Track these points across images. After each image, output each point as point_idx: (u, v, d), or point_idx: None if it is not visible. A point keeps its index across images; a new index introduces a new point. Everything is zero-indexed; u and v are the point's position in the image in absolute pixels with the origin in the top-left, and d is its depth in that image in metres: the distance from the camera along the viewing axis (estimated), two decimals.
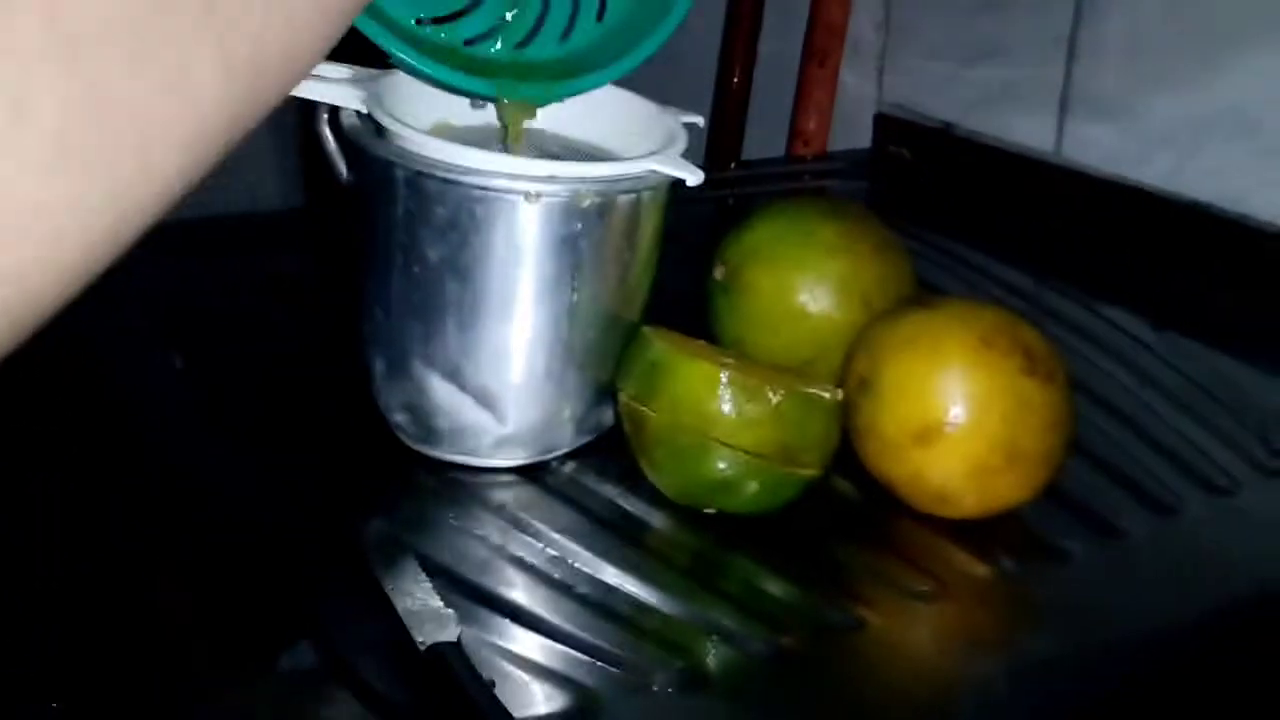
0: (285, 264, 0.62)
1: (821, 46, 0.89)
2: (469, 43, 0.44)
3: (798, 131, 0.90)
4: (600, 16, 0.45)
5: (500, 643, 0.37)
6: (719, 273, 0.50)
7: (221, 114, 0.19)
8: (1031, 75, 0.79)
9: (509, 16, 0.44)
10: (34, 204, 0.17)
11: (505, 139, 0.45)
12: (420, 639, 0.35)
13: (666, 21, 0.43)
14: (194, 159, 0.19)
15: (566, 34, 0.45)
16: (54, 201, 0.17)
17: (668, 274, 0.47)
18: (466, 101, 0.48)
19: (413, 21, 0.43)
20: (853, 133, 0.90)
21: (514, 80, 0.43)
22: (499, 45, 0.45)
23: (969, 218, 0.76)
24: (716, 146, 0.94)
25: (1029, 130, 0.79)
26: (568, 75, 0.44)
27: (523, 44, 0.45)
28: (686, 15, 0.43)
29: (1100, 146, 0.75)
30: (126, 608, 0.38)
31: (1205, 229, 0.69)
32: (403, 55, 0.40)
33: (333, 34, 0.22)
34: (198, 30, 0.18)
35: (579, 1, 0.45)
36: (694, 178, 0.42)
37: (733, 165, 0.90)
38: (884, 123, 0.88)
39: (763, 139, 0.94)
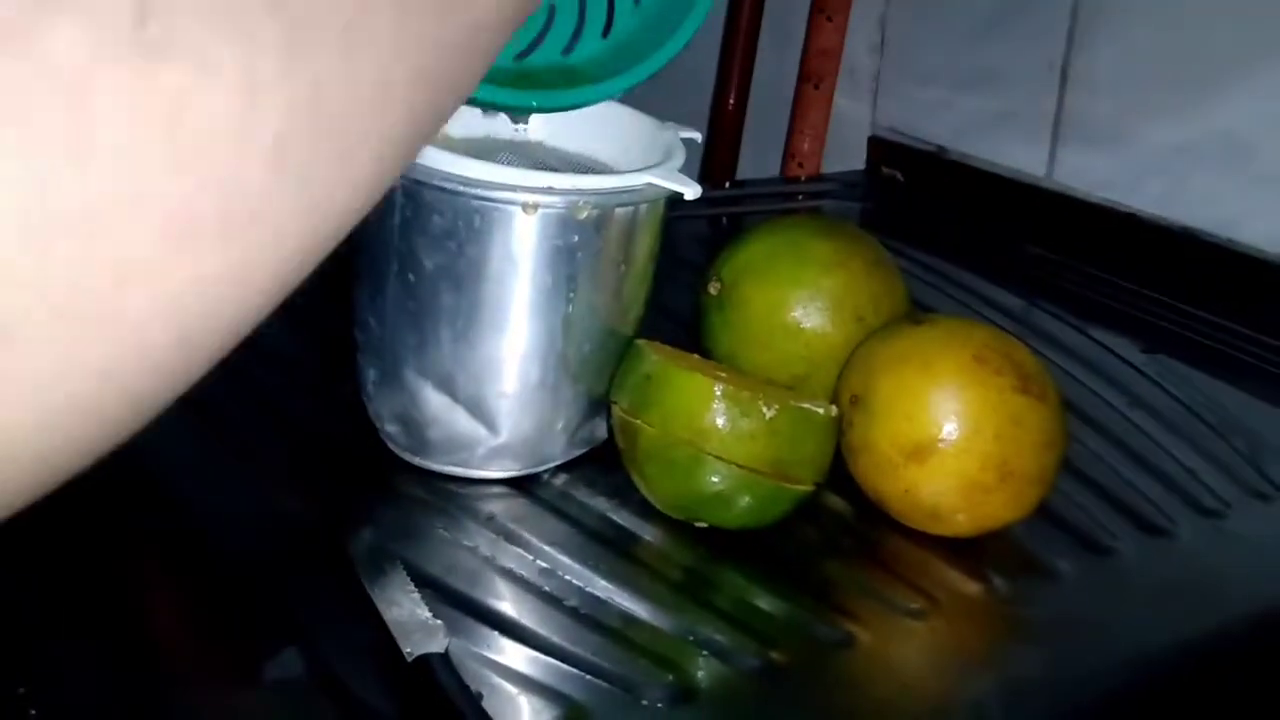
0: None
1: (817, 69, 0.89)
2: (520, 57, 0.45)
3: (792, 153, 0.91)
4: (606, 33, 0.46)
5: (489, 654, 0.37)
6: (714, 288, 0.50)
7: (409, 126, 0.19)
8: (1024, 101, 0.79)
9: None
10: (259, 198, 0.16)
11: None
12: (408, 649, 0.35)
13: (674, 39, 0.43)
14: (385, 171, 0.19)
15: (569, 48, 0.45)
16: (277, 198, 0.16)
17: (662, 289, 0.47)
18: (464, 110, 0.48)
19: None
20: (847, 155, 0.91)
21: (513, 89, 0.43)
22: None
23: (961, 241, 0.76)
24: (712, 167, 0.94)
25: (1021, 155, 0.80)
26: (569, 86, 0.44)
27: (524, 54, 0.45)
28: (694, 35, 0.43)
29: (1092, 172, 0.76)
30: (113, 614, 0.38)
31: (1195, 254, 0.70)
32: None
33: (503, 44, 0.21)
34: (394, 40, 0.18)
35: (584, 16, 0.45)
36: (691, 192, 0.42)
37: (727, 185, 0.91)
38: (878, 145, 0.89)
39: (758, 160, 0.95)
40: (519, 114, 0.46)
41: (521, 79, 0.44)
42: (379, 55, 0.18)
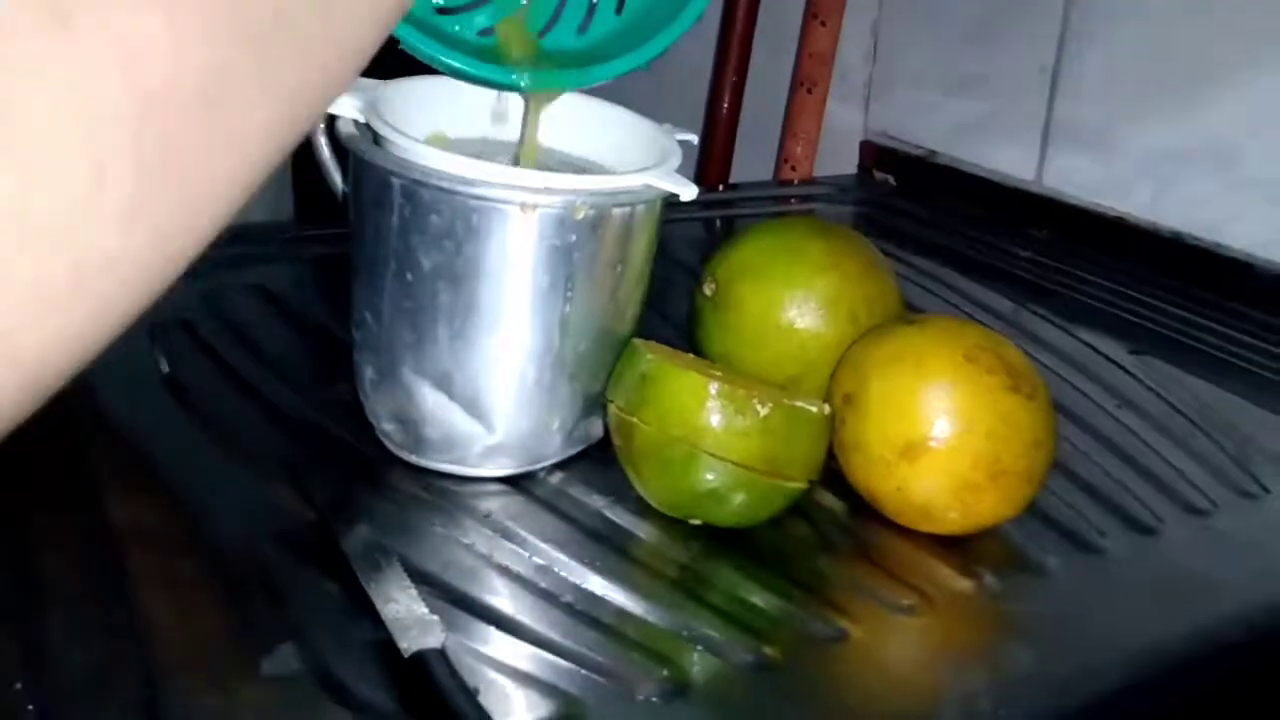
0: (273, 275, 0.62)
1: (810, 74, 0.90)
2: (484, 33, 0.45)
3: (785, 156, 0.91)
4: (619, 9, 0.46)
5: (485, 650, 0.37)
6: (708, 288, 0.50)
7: (266, 158, 0.20)
8: (1014, 106, 0.80)
9: (524, 0, 0.45)
10: (108, 258, 0.17)
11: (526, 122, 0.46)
12: (405, 645, 0.35)
13: (685, 14, 0.43)
14: (237, 202, 0.20)
15: (584, 26, 0.46)
16: (124, 255, 0.18)
17: (658, 290, 0.47)
18: (461, 112, 0.48)
19: (433, 10, 0.44)
20: (839, 158, 0.91)
21: (532, 70, 0.43)
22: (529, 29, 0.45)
23: (952, 243, 0.77)
24: (706, 169, 0.95)
25: (1011, 159, 0.80)
26: (584, 65, 0.44)
27: (540, 34, 0.45)
28: (703, 11, 0.43)
29: (1080, 176, 0.77)
30: (109, 610, 0.38)
31: (1183, 257, 0.71)
32: (421, 45, 0.41)
33: (361, 65, 0.22)
34: (254, 93, 0.19)
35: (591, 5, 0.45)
36: (688, 192, 0.42)
37: (721, 187, 0.91)
38: (870, 149, 0.90)
39: (751, 163, 0.96)
40: (541, 93, 0.46)
41: (538, 59, 0.44)
42: (236, 115, 0.19)
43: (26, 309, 0.17)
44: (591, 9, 0.46)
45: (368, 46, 0.22)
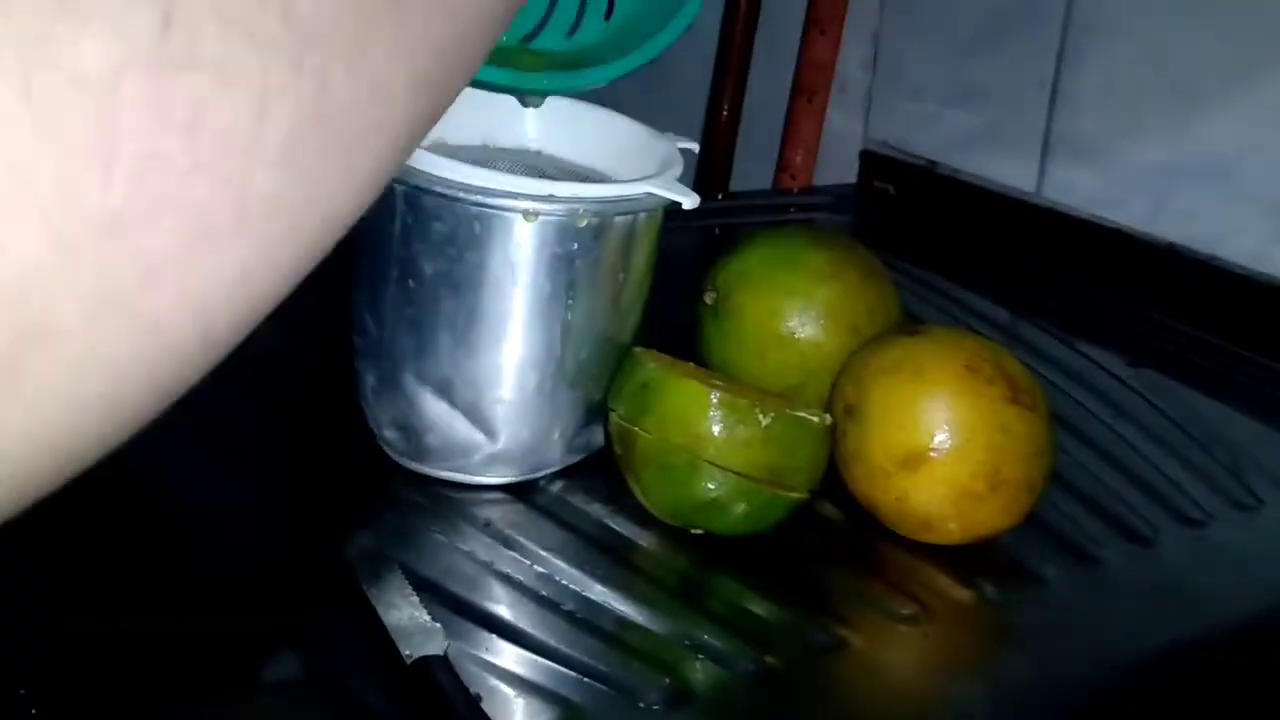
0: None
1: (810, 83, 0.90)
2: None
3: (785, 165, 0.92)
4: (608, 15, 0.46)
5: (487, 657, 0.37)
6: (709, 297, 0.50)
7: (408, 124, 0.20)
8: (1014, 117, 0.80)
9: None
10: (271, 197, 0.17)
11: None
12: (407, 652, 0.35)
13: (679, 18, 0.43)
14: (384, 167, 0.20)
15: (573, 30, 0.46)
16: (286, 196, 0.17)
17: (658, 299, 0.47)
18: (461, 119, 0.48)
19: None
20: (838, 168, 0.92)
21: (522, 71, 0.43)
22: (504, 36, 0.45)
23: (951, 253, 0.77)
24: (705, 178, 0.95)
25: (1011, 170, 0.81)
26: (575, 68, 0.44)
27: (529, 38, 0.45)
28: (697, 15, 0.43)
29: (1080, 188, 0.77)
30: (112, 617, 0.38)
31: (1180, 270, 0.71)
32: None
33: (498, 36, 0.22)
34: (394, 46, 0.19)
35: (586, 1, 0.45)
36: (689, 201, 0.43)
37: (720, 196, 0.91)
38: (869, 159, 0.90)
39: (750, 172, 0.96)
40: (531, 95, 0.46)
41: (529, 60, 0.44)
42: (380, 60, 0.18)
43: (192, 243, 0.16)
44: (580, 13, 0.46)
45: (507, 12, 0.22)
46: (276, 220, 0.17)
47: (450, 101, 0.21)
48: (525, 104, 0.47)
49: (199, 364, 0.18)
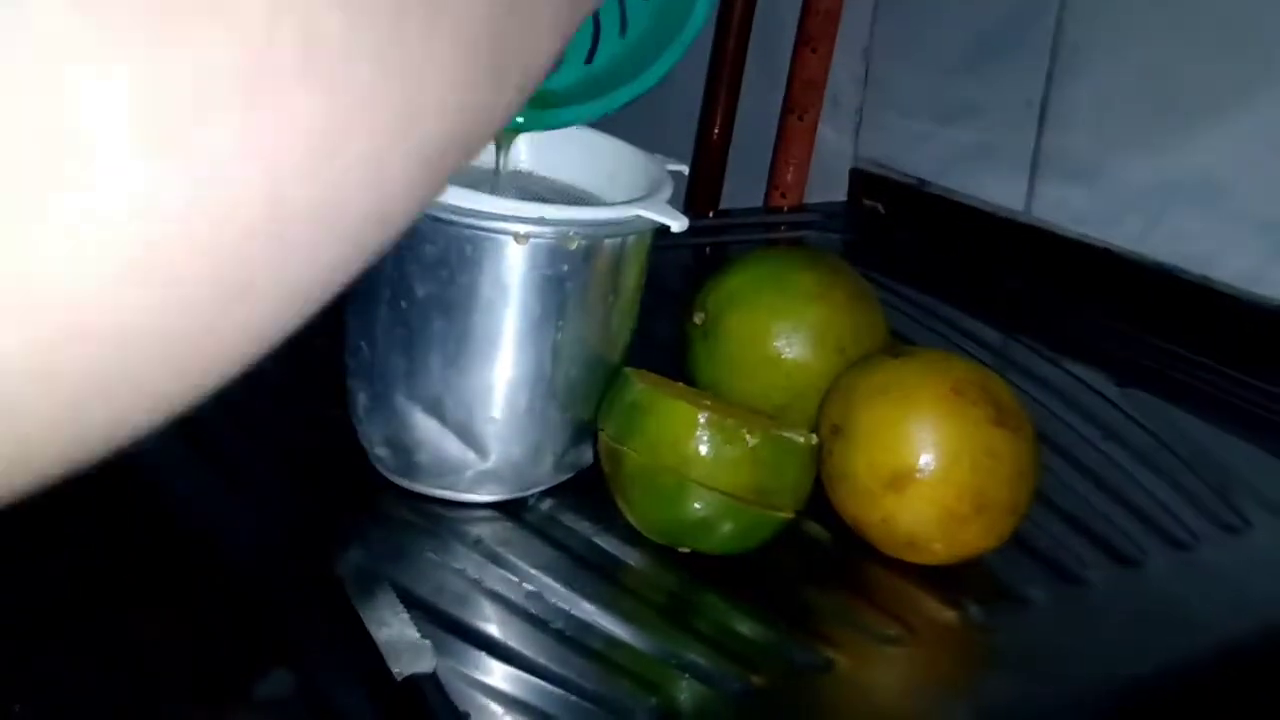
0: None
1: (801, 101, 0.91)
2: None
3: (776, 183, 0.92)
4: (623, 33, 0.45)
5: (476, 675, 0.37)
6: (698, 318, 0.51)
7: (461, 111, 0.18)
8: (1004, 136, 0.81)
9: None
10: (342, 45, 0.15)
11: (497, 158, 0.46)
12: (397, 669, 0.35)
13: (662, 60, 0.43)
14: (425, 180, 0.18)
15: (591, 55, 0.45)
16: (355, 51, 0.16)
17: (648, 318, 0.48)
18: None
19: None
20: (829, 186, 0.92)
21: (537, 109, 0.43)
22: None
23: (941, 272, 0.78)
24: (696, 196, 0.96)
25: (1000, 189, 0.81)
26: (590, 97, 0.44)
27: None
28: (705, 22, 0.43)
29: (1070, 207, 0.77)
30: (106, 634, 0.38)
31: (1170, 290, 0.72)
32: None
33: (550, 64, 0.21)
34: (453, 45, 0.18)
35: (599, 24, 0.45)
36: (679, 224, 0.43)
37: (711, 214, 0.92)
38: (860, 177, 0.91)
39: (741, 189, 0.96)
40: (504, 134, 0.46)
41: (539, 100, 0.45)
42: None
43: (250, 70, 0.14)
44: (594, 41, 0.46)
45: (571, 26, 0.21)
46: (350, 77, 0.15)
47: (532, 44, 0.20)
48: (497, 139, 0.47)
49: (269, 275, 0.16)
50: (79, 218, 0.13)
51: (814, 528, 0.46)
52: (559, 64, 0.45)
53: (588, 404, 0.46)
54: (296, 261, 0.16)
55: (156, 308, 0.14)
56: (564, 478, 0.47)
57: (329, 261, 0.17)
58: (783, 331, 0.49)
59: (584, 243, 0.43)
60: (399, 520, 0.45)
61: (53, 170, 0.13)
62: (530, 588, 0.42)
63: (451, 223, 0.42)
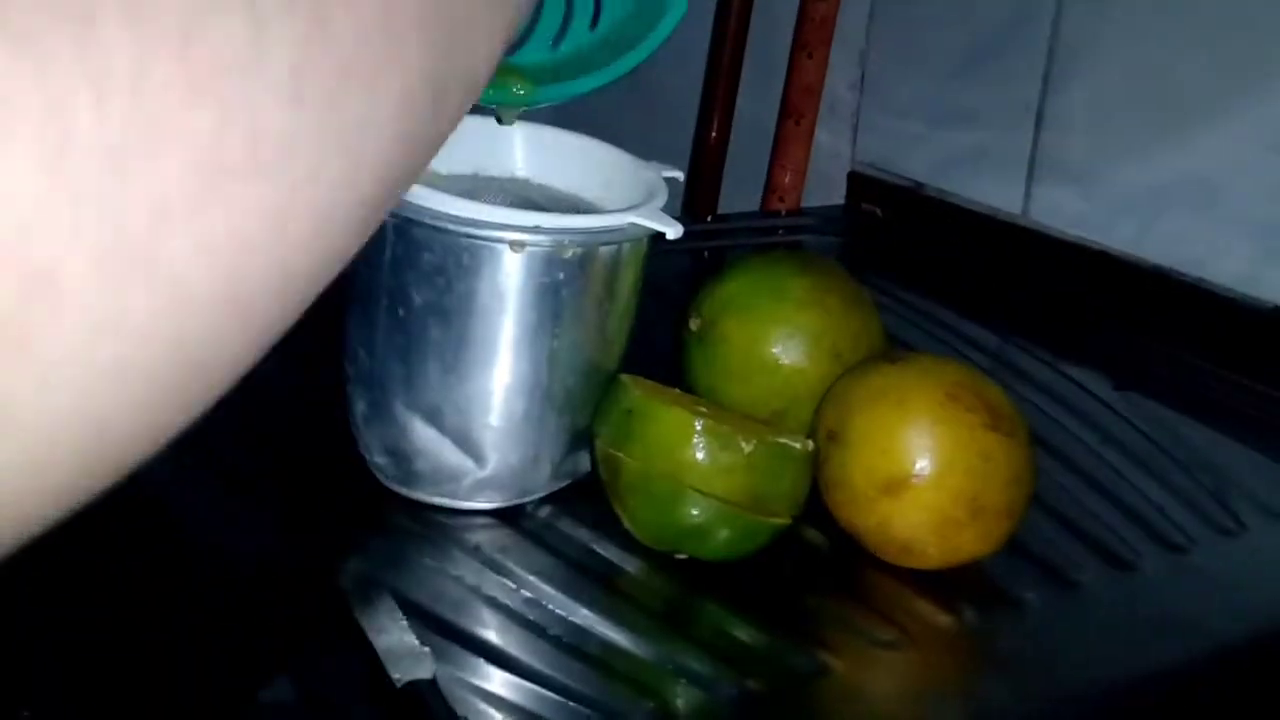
0: None
1: (798, 105, 0.91)
2: None
3: (773, 187, 0.92)
4: (594, 25, 0.46)
5: (475, 681, 0.37)
6: (694, 324, 0.51)
7: (420, 73, 0.18)
8: (1000, 139, 0.81)
9: None
10: (284, 134, 0.16)
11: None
12: (396, 676, 0.36)
13: (661, 27, 0.43)
14: (414, 114, 0.18)
15: (557, 40, 0.46)
16: (303, 135, 0.16)
17: (644, 324, 0.48)
18: (452, 150, 0.49)
19: None
20: (826, 189, 0.92)
21: (502, 84, 0.43)
22: None
23: (938, 275, 0.78)
24: (693, 200, 0.96)
25: (997, 192, 0.81)
26: (555, 80, 0.44)
27: (510, 51, 0.46)
28: (677, 25, 0.43)
29: (1066, 210, 0.78)
30: (110, 641, 0.38)
31: (1166, 293, 0.72)
32: None
33: (490, 72, 0.21)
34: (418, 55, 0.18)
35: (572, 9, 0.46)
36: (673, 231, 0.43)
37: (709, 219, 0.92)
38: (857, 181, 0.91)
39: (739, 193, 0.97)
40: (506, 108, 0.46)
41: (512, 75, 0.45)
42: (399, 83, 0.17)
43: (199, 179, 0.15)
44: (565, 23, 0.46)
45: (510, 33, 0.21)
46: (294, 161, 0.16)
47: (452, 128, 0.20)
48: (500, 120, 0.47)
49: (235, 341, 0.16)
50: (52, 349, 0.14)
51: (810, 533, 0.46)
52: (563, 35, 0.45)
53: (584, 411, 0.46)
54: (254, 326, 0.17)
55: (125, 404, 0.16)
56: (561, 485, 0.47)
57: (283, 311, 0.18)
58: (779, 337, 0.49)
59: (579, 250, 0.43)
60: (398, 527, 0.45)
61: (24, 313, 0.14)
62: (528, 594, 0.42)
63: (448, 231, 0.42)
